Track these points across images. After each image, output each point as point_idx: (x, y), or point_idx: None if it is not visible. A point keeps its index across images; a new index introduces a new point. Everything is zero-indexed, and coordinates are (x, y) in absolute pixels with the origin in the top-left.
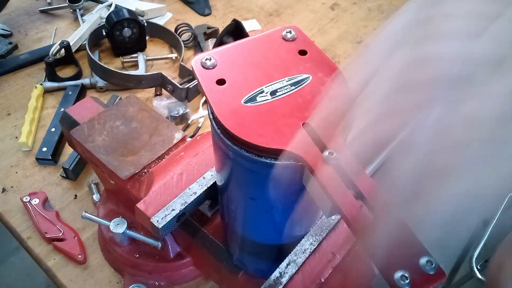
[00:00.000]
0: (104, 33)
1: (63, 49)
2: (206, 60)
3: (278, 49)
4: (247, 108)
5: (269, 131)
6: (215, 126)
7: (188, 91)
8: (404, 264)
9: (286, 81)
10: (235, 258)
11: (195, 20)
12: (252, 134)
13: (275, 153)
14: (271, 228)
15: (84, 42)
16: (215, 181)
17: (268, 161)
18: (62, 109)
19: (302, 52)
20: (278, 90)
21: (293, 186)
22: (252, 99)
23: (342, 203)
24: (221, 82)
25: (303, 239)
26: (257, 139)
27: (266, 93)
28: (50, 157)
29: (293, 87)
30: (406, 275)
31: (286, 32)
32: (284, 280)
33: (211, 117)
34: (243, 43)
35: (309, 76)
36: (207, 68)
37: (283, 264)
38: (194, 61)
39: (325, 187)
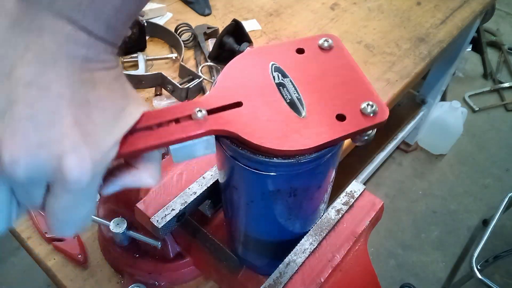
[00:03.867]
0: None
1: None
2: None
3: None
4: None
5: None
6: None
7: (188, 91)
8: None
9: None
10: (237, 252)
11: (195, 20)
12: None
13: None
14: (272, 223)
15: None
16: (215, 181)
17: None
18: None
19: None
20: None
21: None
22: None
23: None
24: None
25: (303, 239)
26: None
27: None
28: None
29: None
30: None
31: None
32: (284, 280)
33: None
34: None
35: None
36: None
37: (283, 264)
38: None
39: None
